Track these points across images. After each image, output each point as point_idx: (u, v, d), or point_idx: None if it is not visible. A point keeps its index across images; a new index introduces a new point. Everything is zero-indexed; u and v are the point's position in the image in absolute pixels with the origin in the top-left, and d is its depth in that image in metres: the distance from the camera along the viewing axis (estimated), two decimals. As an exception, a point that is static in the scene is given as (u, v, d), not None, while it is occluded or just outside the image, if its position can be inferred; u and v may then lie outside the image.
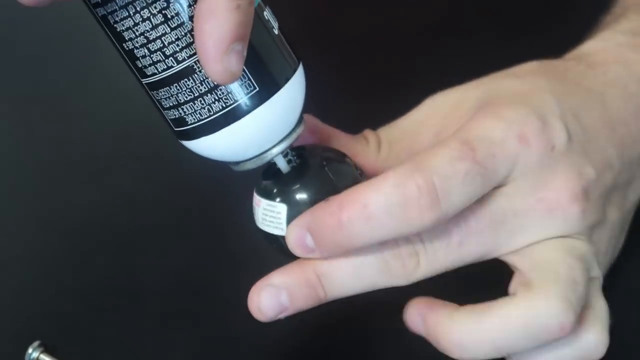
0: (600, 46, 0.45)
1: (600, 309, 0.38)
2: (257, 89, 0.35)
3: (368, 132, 0.44)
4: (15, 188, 0.57)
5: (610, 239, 0.41)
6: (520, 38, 0.58)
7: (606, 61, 0.43)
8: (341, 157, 0.40)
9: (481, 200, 0.37)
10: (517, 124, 0.38)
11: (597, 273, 0.39)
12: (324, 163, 0.39)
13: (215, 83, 0.35)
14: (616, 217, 0.41)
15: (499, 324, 0.36)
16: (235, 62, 0.32)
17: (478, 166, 0.36)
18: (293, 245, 0.37)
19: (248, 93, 0.35)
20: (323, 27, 0.62)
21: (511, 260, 0.38)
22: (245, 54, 0.33)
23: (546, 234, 0.38)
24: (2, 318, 0.47)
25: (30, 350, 0.43)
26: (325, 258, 0.37)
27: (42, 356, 0.43)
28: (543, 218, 0.38)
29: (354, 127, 0.44)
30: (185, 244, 0.50)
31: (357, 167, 0.40)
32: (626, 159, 0.41)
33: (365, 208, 0.35)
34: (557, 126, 0.38)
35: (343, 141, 0.43)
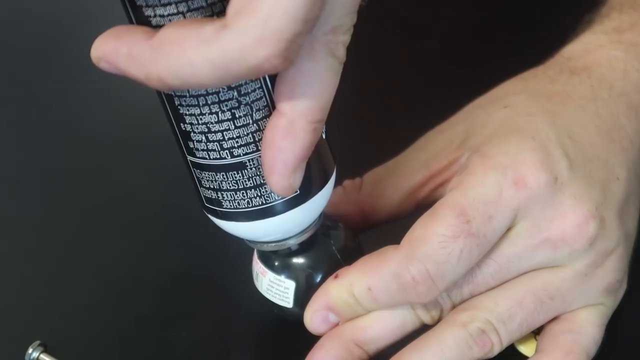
0: (582, 49, 0.44)
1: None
2: (298, 192, 0.36)
3: (346, 182, 0.44)
4: (14, 188, 0.57)
5: (629, 250, 0.40)
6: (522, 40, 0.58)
7: (588, 64, 0.42)
8: (336, 223, 0.41)
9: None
10: (511, 168, 0.37)
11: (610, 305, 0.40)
12: (327, 235, 0.40)
13: (274, 193, 0.35)
14: (633, 225, 0.41)
15: None
16: (299, 179, 0.34)
17: (474, 238, 0.36)
18: (318, 328, 0.39)
19: (289, 195, 0.36)
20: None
21: None
22: (304, 168, 0.34)
23: (548, 264, 0.38)
24: (2, 318, 0.47)
25: (30, 350, 0.43)
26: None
27: (42, 356, 0.43)
28: (547, 254, 0.38)
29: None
30: (185, 244, 0.50)
31: (350, 231, 0.42)
32: (630, 164, 0.40)
33: (370, 291, 0.38)
34: (556, 154, 0.38)
35: None
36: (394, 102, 0.57)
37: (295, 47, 0.30)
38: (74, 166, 0.57)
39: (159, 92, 0.35)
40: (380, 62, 0.61)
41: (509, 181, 0.37)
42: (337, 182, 0.43)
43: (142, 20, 0.32)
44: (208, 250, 0.49)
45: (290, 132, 0.32)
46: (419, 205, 0.42)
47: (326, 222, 0.41)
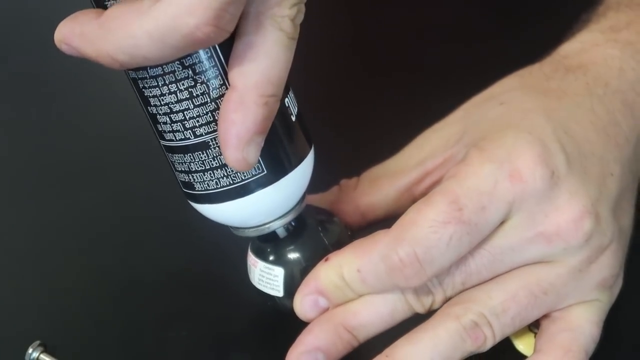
0: (578, 48, 0.44)
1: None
2: (265, 172, 0.37)
3: (343, 181, 0.44)
4: (14, 188, 0.57)
5: (624, 247, 0.40)
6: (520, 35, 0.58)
7: (583, 62, 0.43)
8: (331, 217, 0.42)
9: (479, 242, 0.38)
10: (508, 162, 0.37)
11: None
12: (319, 228, 0.41)
13: (230, 167, 0.36)
14: (628, 221, 0.41)
15: None
16: (253, 153, 0.34)
17: (465, 226, 0.36)
18: (308, 312, 0.39)
19: (256, 175, 0.37)
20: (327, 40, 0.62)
21: None
22: (262, 144, 0.34)
23: (542, 258, 0.38)
24: (2, 318, 0.47)
25: (30, 350, 0.43)
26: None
27: (42, 356, 0.43)
28: (541, 248, 0.38)
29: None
30: (185, 244, 0.50)
31: (345, 226, 0.42)
32: (625, 160, 0.40)
33: (359, 273, 0.38)
34: (554, 149, 0.38)
35: (318, 198, 0.44)
36: (393, 103, 0.57)
37: (227, 16, 0.31)
38: (74, 166, 0.57)
39: (129, 80, 0.36)
40: (377, 62, 0.61)
41: (505, 174, 0.37)
42: (335, 183, 0.44)
43: (99, 4, 0.34)
44: (208, 250, 0.49)
45: (241, 105, 0.33)
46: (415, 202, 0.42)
47: (320, 216, 0.41)
